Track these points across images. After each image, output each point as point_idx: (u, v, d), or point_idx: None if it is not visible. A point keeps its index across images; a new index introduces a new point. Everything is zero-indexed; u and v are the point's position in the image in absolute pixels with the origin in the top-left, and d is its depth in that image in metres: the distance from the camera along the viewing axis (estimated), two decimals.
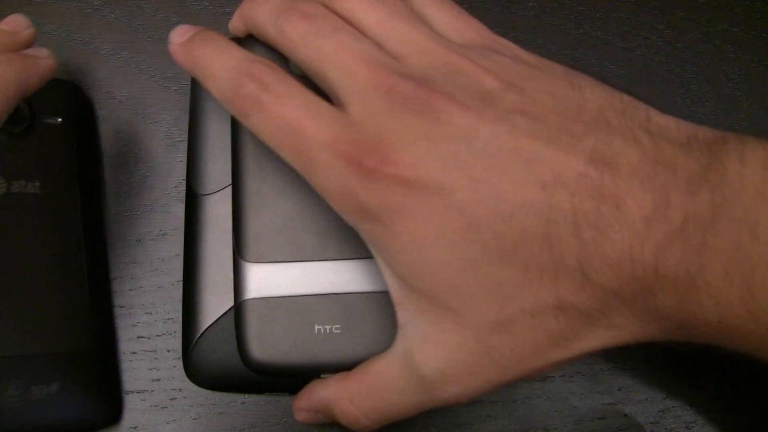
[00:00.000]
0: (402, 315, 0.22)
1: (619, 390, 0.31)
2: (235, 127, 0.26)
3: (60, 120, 0.29)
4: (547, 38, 0.34)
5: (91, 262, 0.28)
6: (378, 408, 0.23)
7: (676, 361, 0.32)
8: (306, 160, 0.21)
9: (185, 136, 0.30)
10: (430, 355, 0.21)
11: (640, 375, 0.31)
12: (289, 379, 0.25)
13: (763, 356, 0.20)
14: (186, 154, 0.30)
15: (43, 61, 0.26)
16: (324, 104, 0.21)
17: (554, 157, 0.19)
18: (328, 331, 0.24)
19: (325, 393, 0.24)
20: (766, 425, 0.30)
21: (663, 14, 0.34)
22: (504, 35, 0.30)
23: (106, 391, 0.28)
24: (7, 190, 0.27)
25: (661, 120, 0.21)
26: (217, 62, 0.22)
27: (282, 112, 0.21)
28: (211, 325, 0.26)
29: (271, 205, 0.25)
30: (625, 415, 0.30)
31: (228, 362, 0.25)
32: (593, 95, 0.21)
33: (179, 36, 0.24)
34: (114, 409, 0.29)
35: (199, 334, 0.26)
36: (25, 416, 0.25)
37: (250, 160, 0.25)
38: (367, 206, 0.20)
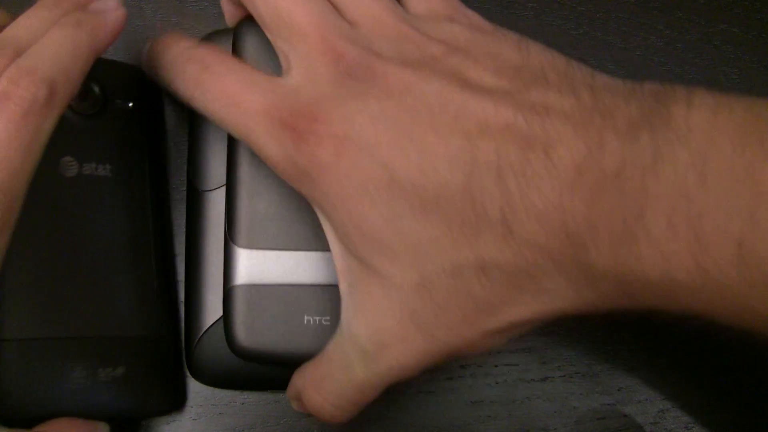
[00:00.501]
0: (342, 286, 0.22)
1: (618, 390, 0.31)
2: None
3: (131, 104, 0.29)
4: (546, 38, 0.34)
5: (159, 247, 0.28)
6: (335, 390, 0.22)
7: (676, 361, 0.32)
8: (247, 132, 0.21)
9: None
10: (364, 323, 0.21)
11: (640, 375, 0.31)
12: (277, 368, 0.25)
13: (711, 317, 0.18)
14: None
15: (112, 14, 0.24)
16: (262, 76, 0.22)
17: (482, 109, 0.19)
18: (317, 322, 0.24)
19: (298, 381, 0.23)
20: (765, 426, 0.30)
21: (663, 15, 0.34)
22: None
23: (172, 377, 0.28)
24: (79, 172, 0.27)
25: (607, 78, 0.20)
26: (164, 54, 0.23)
27: (221, 88, 0.21)
28: (215, 322, 0.26)
29: (264, 192, 0.25)
30: (625, 415, 0.30)
31: (232, 359, 0.25)
32: (538, 57, 0.21)
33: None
34: (179, 396, 0.29)
35: (202, 332, 0.26)
36: (90, 398, 0.25)
37: (246, 147, 0.25)
38: (302, 168, 0.20)
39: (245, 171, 0.25)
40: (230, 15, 0.25)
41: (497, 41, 0.21)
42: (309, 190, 0.21)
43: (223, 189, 0.27)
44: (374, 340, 0.21)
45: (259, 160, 0.22)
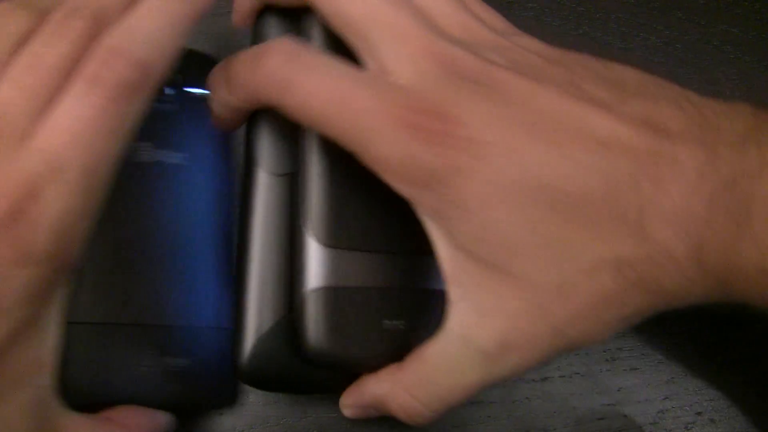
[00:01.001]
0: (455, 291, 0.21)
1: (618, 391, 0.31)
2: None
3: (208, 93, 0.28)
4: (546, 39, 0.34)
5: (232, 238, 0.28)
6: (439, 394, 0.22)
7: (675, 362, 0.32)
8: (359, 133, 0.20)
9: None
10: (490, 327, 0.21)
11: (640, 375, 0.31)
12: (347, 373, 0.24)
13: None
14: None
15: None
16: (364, 72, 0.21)
17: (605, 118, 0.20)
18: (394, 326, 0.23)
19: (379, 388, 0.23)
20: (765, 426, 0.30)
21: (662, 15, 0.35)
22: None
23: (231, 372, 0.27)
24: (155, 158, 0.27)
25: (698, 95, 0.21)
26: (236, 60, 0.22)
27: (323, 84, 0.20)
28: (275, 323, 0.24)
29: (348, 186, 0.23)
30: (625, 415, 0.30)
31: (293, 363, 0.24)
32: (628, 72, 0.22)
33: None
34: (235, 392, 0.28)
35: (263, 332, 0.24)
36: (154, 387, 0.25)
37: (325, 144, 0.23)
38: (437, 171, 0.20)
39: (328, 161, 0.23)
40: (244, 12, 0.24)
41: (583, 58, 0.23)
42: (433, 196, 0.20)
43: (288, 177, 0.25)
44: (500, 342, 0.21)
45: (341, 151, 0.21)
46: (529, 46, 0.22)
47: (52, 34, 0.20)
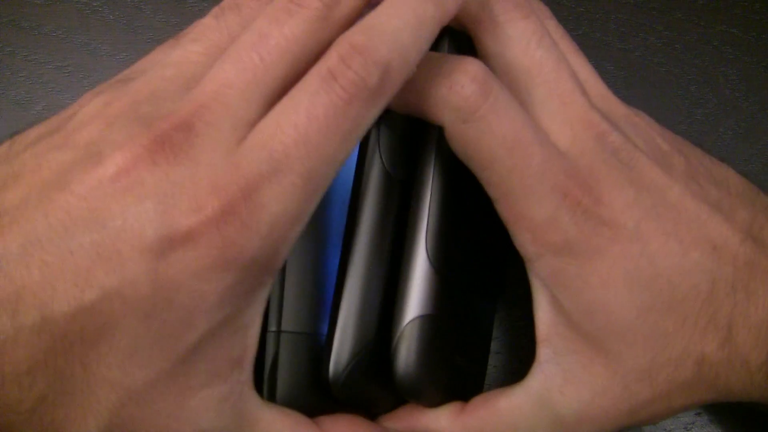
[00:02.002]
0: (545, 352, 0.22)
1: None
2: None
3: None
4: None
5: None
6: None
7: None
8: (516, 184, 0.20)
9: None
10: (572, 395, 0.21)
11: None
12: (415, 401, 0.23)
13: None
14: None
15: None
16: (538, 125, 0.21)
17: (720, 223, 0.21)
18: (463, 362, 0.23)
19: (436, 424, 0.23)
20: (765, 427, 0.30)
21: (662, 15, 0.34)
22: None
23: None
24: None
25: None
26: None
27: (507, 126, 0.20)
28: (368, 345, 0.23)
29: (460, 214, 0.23)
30: None
31: (382, 387, 0.23)
32: (731, 174, 0.23)
33: None
34: None
35: (359, 353, 0.23)
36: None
37: (451, 150, 0.22)
38: (571, 241, 0.20)
39: (452, 182, 0.22)
40: None
41: (690, 145, 0.24)
42: (560, 264, 0.21)
43: (400, 183, 0.23)
44: (579, 413, 0.21)
45: (465, 175, 0.21)
46: (652, 126, 0.24)
47: (280, 10, 0.19)
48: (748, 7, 0.35)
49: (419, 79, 0.20)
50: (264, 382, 0.23)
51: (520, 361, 0.30)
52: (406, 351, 0.22)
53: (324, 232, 0.24)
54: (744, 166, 0.33)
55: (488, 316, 0.26)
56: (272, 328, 0.23)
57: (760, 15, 0.35)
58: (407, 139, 0.23)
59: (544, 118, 0.21)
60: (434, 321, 0.22)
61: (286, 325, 0.23)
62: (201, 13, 0.33)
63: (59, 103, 0.32)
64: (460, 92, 0.20)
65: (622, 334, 0.21)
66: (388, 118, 0.23)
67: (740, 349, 0.20)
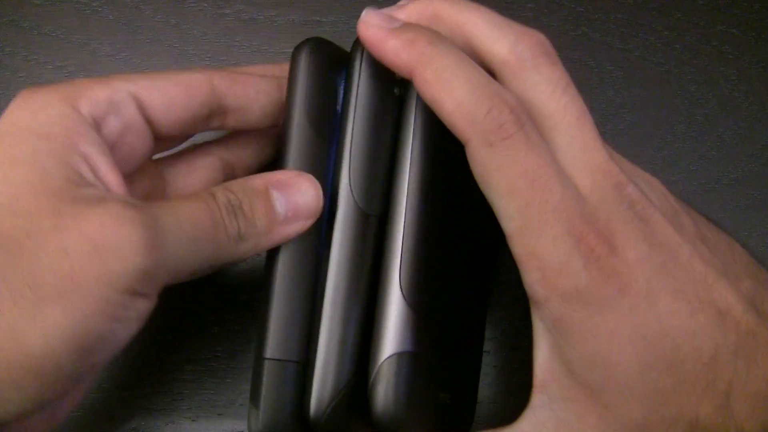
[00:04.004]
0: (539, 397, 0.22)
1: None
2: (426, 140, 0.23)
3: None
4: None
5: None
6: None
7: None
8: (532, 219, 0.20)
9: None
10: None
11: None
12: None
13: None
14: None
15: None
16: (562, 168, 0.21)
17: (726, 289, 0.21)
18: (444, 399, 0.23)
19: None
20: None
21: (661, 15, 0.34)
22: None
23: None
24: None
25: None
26: (461, 76, 0.21)
27: (532, 160, 0.20)
28: (348, 383, 0.23)
29: (438, 248, 0.23)
30: None
31: (359, 420, 0.23)
32: (734, 241, 0.24)
33: (387, 23, 0.22)
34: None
35: (338, 392, 0.23)
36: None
37: (425, 183, 0.22)
38: (581, 289, 0.20)
39: (430, 215, 0.22)
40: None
41: (691, 208, 0.24)
42: (566, 311, 0.20)
43: (374, 218, 0.23)
44: None
45: (442, 206, 0.21)
46: (663, 185, 0.24)
47: None
48: (747, 8, 0.35)
49: (461, 90, 0.21)
50: (250, 408, 0.23)
51: (519, 360, 0.30)
52: (383, 390, 0.22)
53: (313, 259, 0.23)
54: (744, 166, 0.33)
55: (475, 348, 0.26)
56: (261, 354, 0.23)
57: (759, 15, 0.35)
58: (379, 173, 0.24)
59: (565, 164, 0.21)
60: (412, 358, 0.22)
61: (270, 353, 0.23)
62: (201, 13, 0.33)
63: None
64: (497, 118, 0.20)
65: (621, 388, 0.21)
66: (358, 152, 0.23)
67: (736, 417, 0.20)
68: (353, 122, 0.23)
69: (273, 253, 0.23)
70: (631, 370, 0.20)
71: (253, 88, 0.25)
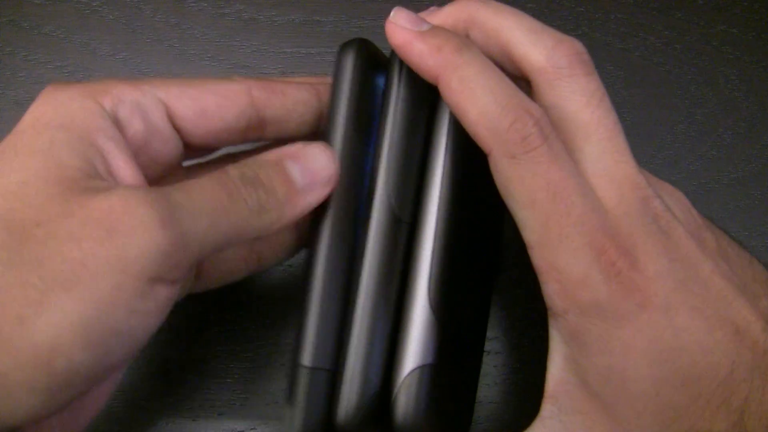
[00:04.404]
0: (549, 408, 0.22)
1: None
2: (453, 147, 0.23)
3: None
4: None
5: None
6: None
7: None
8: (552, 232, 0.20)
9: None
10: None
11: None
12: None
13: None
14: None
15: None
16: (585, 180, 0.21)
17: (745, 307, 0.21)
18: (454, 407, 0.23)
19: None
20: None
21: (662, 15, 0.35)
22: None
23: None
24: None
25: None
26: (486, 85, 0.21)
27: (555, 173, 0.20)
28: (381, 387, 0.23)
29: (460, 259, 0.23)
30: None
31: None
32: (753, 259, 0.23)
33: (415, 25, 0.22)
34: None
35: (369, 395, 0.22)
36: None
37: (456, 193, 0.22)
38: (600, 303, 0.20)
39: (457, 226, 0.22)
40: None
41: (720, 230, 0.24)
42: (584, 324, 0.20)
43: (405, 225, 0.23)
44: None
45: (468, 213, 0.21)
46: (686, 199, 0.24)
47: None
48: (747, 7, 0.35)
49: (485, 100, 0.20)
50: (284, 409, 0.23)
51: (520, 360, 0.30)
52: (406, 403, 0.22)
53: (348, 265, 0.23)
54: (744, 166, 0.33)
55: (478, 354, 0.26)
56: (297, 360, 0.23)
57: (759, 15, 0.35)
58: (413, 180, 0.23)
59: (593, 175, 0.21)
60: (433, 371, 0.22)
61: (306, 361, 0.22)
62: (201, 13, 0.33)
63: None
64: (521, 130, 0.20)
65: (634, 403, 0.20)
66: (395, 158, 0.23)
67: None
68: (392, 127, 0.23)
69: (311, 258, 0.23)
70: (646, 385, 0.20)
71: (291, 99, 0.24)
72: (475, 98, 0.20)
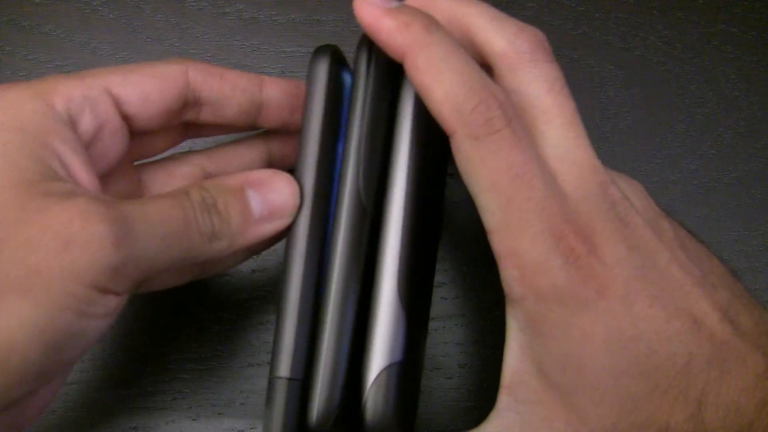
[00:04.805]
0: (506, 400, 0.22)
1: None
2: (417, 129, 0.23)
3: None
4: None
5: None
6: None
7: None
8: (513, 216, 0.20)
9: None
10: None
11: None
12: None
13: None
14: None
15: None
16: (546, 165, 0.21)
17: (702, 298, 0.21)
18: (414, 399, 0.23)
19: None
20: None
21: (662, 15, 0.34)
22: None
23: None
24: None
25: (758, 307, 0.23)
26: (453, 66, 0.20)
27: (517, 156, 0.20)
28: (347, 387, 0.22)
29: (419, 250, 0.22)
30: None
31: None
32: (710, 253, 0.23)
33: (385, 2, 0.22)
34: None
35: (333, 411, 0.22)
36: None
37: (419, 182, 0.22)
38: (558, 289, 0.20)
39: (418, 214, 0.22)
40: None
41: (677, 223, 0.24)
42: (541, 311, 0.20)
43: (369, 217, 0.23)
44: None
45: (424, 202, 0.21)
46: (641, 187, 0.24)
47: None
48: (748, 7, 0.35)
49: (451, 81, 0.20)
50: (265, 420, 0.23)
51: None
52: (376, 403, 0.22)
53: (317, 268, 0.23)
54: (744, 166, 0.33)
55: (423, 342, 0.26)
56: (276, 373, 0.22)
57: (760, 14, 0.35)
58: (378, 171, 0.23)
59: (553, 158, 0.21)
60: (401, 368, 0.22)
61: (281, 371, 0.22)
62: (201, 12, 0.33)
63: None
64: (485, 112, 0.20)
65: (591, 392, 0.20)
66: (367, 154, 0.23)
67: (707, 427, 0.20)
68: (362, 122, 0.23)
69: (286, 268, 0.23)
70: (604, 373, 0.20)
71: (229, 84, 0.25)
72: (441, 78, 0.20)
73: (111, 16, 0.33)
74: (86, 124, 0.22)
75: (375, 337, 0.22)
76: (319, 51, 0.24)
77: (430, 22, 0.21)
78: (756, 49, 0.34)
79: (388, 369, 0.22)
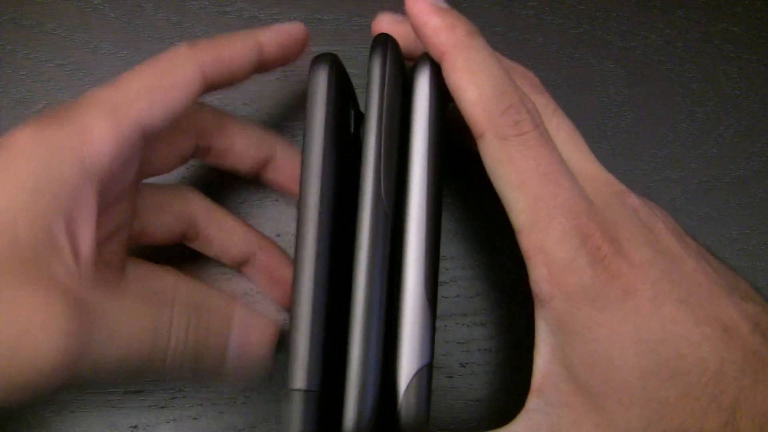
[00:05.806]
0: (535, 401, 0.22)
1: None
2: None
3: None
4: (546, 37, 0.34)
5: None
6: None
7: None
8: (541, 214, 0.20)
9: None
10: None
11: None
12: None
13: None
14: None
15: None
16: (570, 169, 0.21)
17: (733, 308, 0.21)
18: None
19: None
20: None
21: (663, 13, 0.34)
22: (504, 34, 0.30)
23: None
24: None
25: None
26: (489, 71, 0.21)
27: (545, 156, 0.21)
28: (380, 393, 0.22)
29: (438, 244, 0.22)
30: None
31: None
32: (733, 269, 0.23)
33: (435, 0, 0.23)
34: None
35: (369, 407, 0.21)
36: None
37: (437, 184, 0.22)
38: (586, 287, 0.20)
39: (437, 212, 0.22)
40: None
41: (694, 239, 0.24)
42: (570, 310, 0.20)
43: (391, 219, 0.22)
44: None
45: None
46: (658, 207, 0.24)
47: None
48: (749, 6, 0.35)
49: (486, 83, 0.21)
50: None
51: (521, 359, 0.30)
52: (412, 407, 0.21)
53: (336, 286, 0.23)
54: (745, 164, 0.33)
55: None
56: (290, 386, 0.22)
57: (761, 13, 0.35)
58: (395, 172, 0.23)
59: (578, 158, 0.22)
60: (431, 368, 0.22)
61: (293, 383, 0.22)
62: (202, 12, 0.33)
63: (60, 101, 0.32)
64: (514, 116, 0.21)
65: (621, 394, 0.20)
66: (387, 158, 0.22)
67: None
68: (381, 124, 0.22)
69: (297, 278, 0.22)
70: (632, 375, 0.20)
71: (237, 62, 0.25)
72: (476, 81, 0.21)
73: (112, 14, 0.33)
74: (113, 171, 0.22)
75: (405, 340, 0.22)
76: (319, 59, 0.24)
77: (473, 28, 0.22)
78: (757, 47, 0.34)
79: (419, 372, 0.22)
